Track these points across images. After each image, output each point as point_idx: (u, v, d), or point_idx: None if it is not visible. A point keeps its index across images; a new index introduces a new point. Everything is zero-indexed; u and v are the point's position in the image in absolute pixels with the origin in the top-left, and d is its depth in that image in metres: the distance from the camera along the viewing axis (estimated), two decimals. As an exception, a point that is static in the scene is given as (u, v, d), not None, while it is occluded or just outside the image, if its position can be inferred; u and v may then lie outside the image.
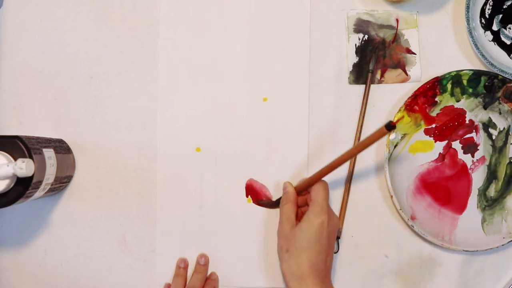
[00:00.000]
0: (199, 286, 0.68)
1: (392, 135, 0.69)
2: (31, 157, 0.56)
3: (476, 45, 0.68)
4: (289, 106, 0.70)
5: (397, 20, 0.71)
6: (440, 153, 0.70)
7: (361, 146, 0.59)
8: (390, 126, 0.55)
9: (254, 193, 0.70)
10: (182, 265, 0.69)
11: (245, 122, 0.70)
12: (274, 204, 0.69)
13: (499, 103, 0.70)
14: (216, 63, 0.70)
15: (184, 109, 0.70)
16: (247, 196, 0.70)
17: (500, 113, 0.70)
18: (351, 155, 0.61)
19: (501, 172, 0.70)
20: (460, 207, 0.70)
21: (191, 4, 0.71)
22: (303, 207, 0.66)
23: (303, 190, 0.65)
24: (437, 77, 0.69)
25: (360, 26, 0.70)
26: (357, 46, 0.70)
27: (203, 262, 0.69)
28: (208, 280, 0.69)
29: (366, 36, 0.70)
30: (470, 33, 0.68)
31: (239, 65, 0.70)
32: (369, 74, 0.70)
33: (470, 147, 0.70)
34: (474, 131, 0.70)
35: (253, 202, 0.70)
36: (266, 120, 0.70)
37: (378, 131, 0.56)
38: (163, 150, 0.70)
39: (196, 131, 0.70)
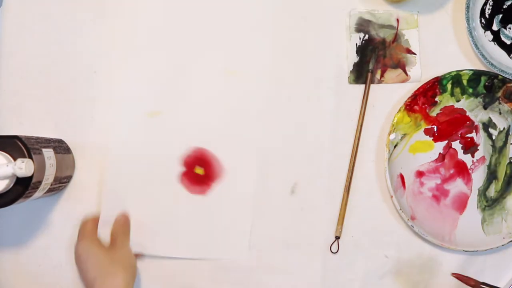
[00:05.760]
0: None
1: (392, 135, 0.69)
2: (30, 157, 0.56)
3: (476, 45, 0.68)
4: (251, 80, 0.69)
5: (397, 20, 0.70)
6: (440, 153, 0.70)
7: None
8: None
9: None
10: None
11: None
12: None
13: (499, 103, 0.70)
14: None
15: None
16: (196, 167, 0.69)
17: (500, 113, 0.70)
18: None
19: (501, 172, 0.70)
20: (460, 207, 0.70)
21: None
22: None
23: None
24: (437, 77, 0.69)
25: (361, 25, 0.70)
26: (358, 45, 0.70)
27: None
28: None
29: (367, 36, 0.70)
30: (470, 33, 0.68)
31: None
32: (369, 74, 0.70)
33: (470, 147, 0.70)
34: (474, 131, 0.70)
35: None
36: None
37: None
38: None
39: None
